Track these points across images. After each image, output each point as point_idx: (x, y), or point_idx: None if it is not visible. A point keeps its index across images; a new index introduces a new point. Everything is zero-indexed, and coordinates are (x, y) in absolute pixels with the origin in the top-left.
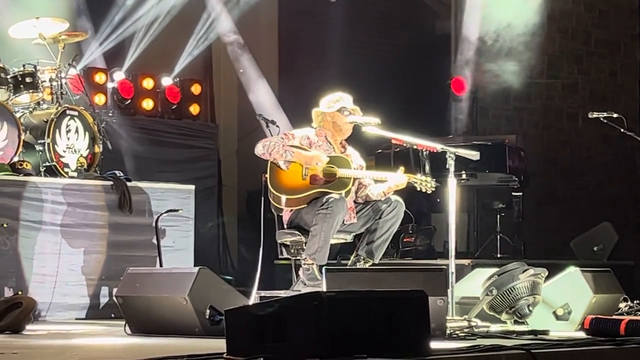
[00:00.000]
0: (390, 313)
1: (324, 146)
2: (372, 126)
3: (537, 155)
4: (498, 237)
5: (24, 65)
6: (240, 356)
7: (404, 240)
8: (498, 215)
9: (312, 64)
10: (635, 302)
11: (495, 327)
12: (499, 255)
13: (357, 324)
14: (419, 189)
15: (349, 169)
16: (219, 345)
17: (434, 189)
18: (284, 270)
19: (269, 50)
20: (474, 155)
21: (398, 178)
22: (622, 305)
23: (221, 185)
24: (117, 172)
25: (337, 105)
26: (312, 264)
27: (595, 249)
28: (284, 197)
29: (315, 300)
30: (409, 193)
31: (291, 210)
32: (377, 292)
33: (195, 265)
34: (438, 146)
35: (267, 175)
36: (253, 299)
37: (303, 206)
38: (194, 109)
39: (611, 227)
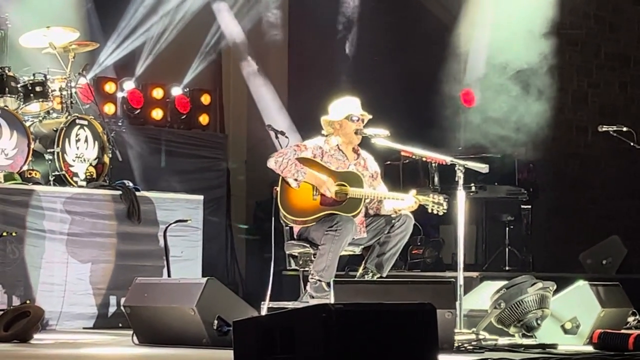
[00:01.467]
0: (398, 326)
1: (337, 155)
2: (381, 138)
3: (547, 168)
4: (506, 249)
5: (34, 74)
6: None
7: (412, 252)
8: (507, 228)
9: (321, 75)
10: None
11: (503, 341)
12: (507, 268)
13: (365, 336)
14: (430, 210)
15: (361, 189)
16: (226, 356)
17: (445, 211)
18: (292, 281)
19: (279, 65)
20: (483, 168)
21: (410, 201)
22: (630, 319)
23: (230, 195)
24: (126, 181)
25: (344, 112)
26: (320, 280)
27: (604, 262)
28: (292, 218)
29: (323, 312)
30: (419, 207)
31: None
32: (385, 304)
33: (203, 276)
34: (447, 159)
35: (278, 190)
36: (264, 310)
37: (312, 224)
38: (204, 119)
39: (620, 240)
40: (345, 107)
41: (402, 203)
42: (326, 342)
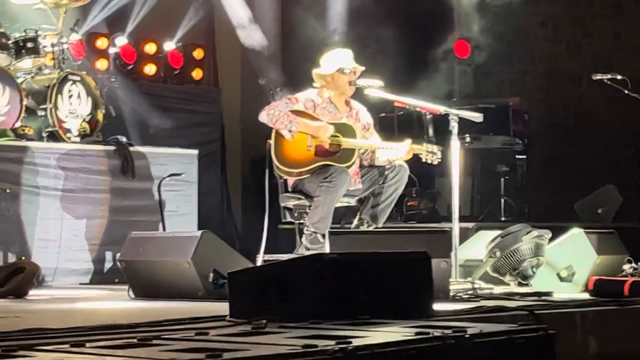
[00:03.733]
0: (393, 275)
1: (329, 108)
2: (375, 88)
3: (541, 118)
4: (502, 200)
5: (25, 31)
6: (243, 318)
7: (408, 204)
8: (502, 179)
9: (315, 26)
10: (639, 263)
11: (498, 289)
12: (502, 218)
13: (359, 285)
14: (424, 160)
15: (354, 139)
16: (222, 308)
17: (440, 160)
18: (288, 234)
19: (272, 11)
20: (477, 117)
21: (404, 149)
22: (626, 266)
23: (225, 150)
24: (119, 137)
25: (335, 65)
26: (315, 231)
27: (599, 211)
28: (287, 170)
29: (318, 262)
30: (413, 157)
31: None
32: (380, 253)
33: (199, 230)
34: (441, 108)
35: (272, 142)
36: (259, 263)
37: (306, 176)
38: (197, 73)
39: (615, 189)
40: (337, 60)
41: (396, 152)
42: (321, 292)
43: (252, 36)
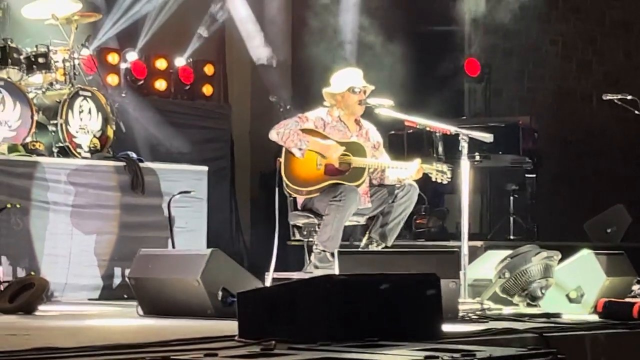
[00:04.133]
0: (402, 296)
1: (338, 126)
2: (385, 108)
3: (551, 136)
4: (511, 218)
5: (36, 46)
6: (252, 338)
7: (417, 221)
8: (511, 197)
9: (326, 44)
10: None
11: (507, 310)
12: (511, 237)
13: (368, 306)
14: (434, 179)
15: (364, 158)
16: (231, 327)
17: (450, 180)
18: (297, 251)
19: (281, 32)
20: (487, 137)
21: (414, 168)
22: (635, 287)
23: (234, 166)
24: (129, 153)
25: (346, 84)
26: (324, 250)
27: (608, 231)
28: (296, 188)
29: (327, 283)
30: (423, 176)
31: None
32: (388, 275)
33: (208, 247)
34: (451, 128)
35: (282, 161)
36: (268, 281)
37: (316, 194)
38: (207, 89)
39: (624, 209)
40: (347, 79)
41: (406, 172)
42: (329, 313)
43: (260, 50)
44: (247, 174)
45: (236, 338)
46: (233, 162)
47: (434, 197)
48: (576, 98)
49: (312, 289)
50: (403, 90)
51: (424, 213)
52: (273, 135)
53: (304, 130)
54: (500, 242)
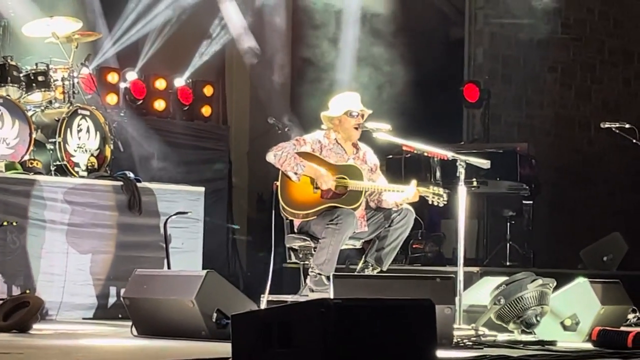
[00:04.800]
0: (397, 321)
1: (335, 149)
2: (383, 132)
3: (549, 163)
4: (508, 245)
5: (36, 64)
6: None
7: (413, 246)
8: (508, 223)
9: (323, 68)
10: None
11: (502, 337)
12: (508, 263)
13: (363, 331)
14: (430, 202)
15: (361, 181)
16: (225, 349)
17: (446, 203)
18: (292, 274)
19: (281, 57)
20: (485, 163)
21: (410, 191)
22: (630, 316)
23: (232, 187)
24: (127, 172)
25: (343, 107)
26: (320, 273)
27: (604, 259)
28: (293, 211)
29: (322, 307)
30: (420, 199)
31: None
32: (384, 300)
33: (203, 267)
34: (449, 154)
35: (278, 184)
36: (263, 303)
37: (313, 217)
38: (206, 110)
39: (621, 237)
40: (344, 103)
41: (403, 195)
42: (324, 337)
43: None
44: (244, 194)
45: None
46: (230, 183)
47: (431, 222)
48: (574, 125)
49: (307, 312)
50: (402, 114)
51: (420, 238)
52: (270, 157)
53: (300, 154)
54: (496, 269)
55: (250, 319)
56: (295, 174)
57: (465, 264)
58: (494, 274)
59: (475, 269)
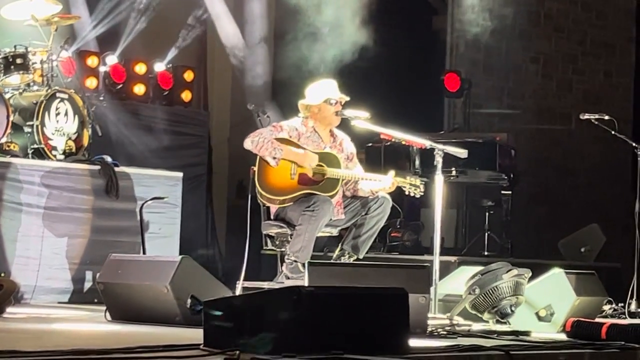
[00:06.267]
0: (369, 310)
1: (312, 137)
2: (361, 120)
3: (529, 154)
4: (486, 234)
5: (15, 47)
6: (217, 348)
7: (392, 235)
8: (487, 213)
9: (306, 54)
10: (620, 304)
11: (477, 327)
12: (486, 253)
13: (335, 319)
14: (407, 192)
15: (339, 169)
16: (198, 335)
17: (422, 193)
18: (270, 260)
19: (263, 39)
20: (462, 153)
21: (387, 181)
22: (606, 307)
23: (211, 173)
24: (105, 156)
25: (322, 96)
26: (296, 260)
27: (582, 250)
28: (270, 197)
29: (294, 295)
30: (397, 189)
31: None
32: (357, 288)
33: (180, 253)
34: (427, 143)
35: (256, 169)
36: (239, 290)
37: (289, 204)
38: (186, 95)
39: (599, 228)
40: (322, 91)
41: (379, 184)
42: (296, 325)
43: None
44: (224, 180)
45: (201, 347)
46: (210, 169)
47: (410, 211)
48: (555, 116)
49: (279, 300)
50: (381, 103)
51: (399, 226)
52: (247, 143)
53: (278, 140)
54: (474, 258)
55: (222, 306)
56: (274, 158)
57: (444, 253)
58: (471, 264)
59: (452, 258)
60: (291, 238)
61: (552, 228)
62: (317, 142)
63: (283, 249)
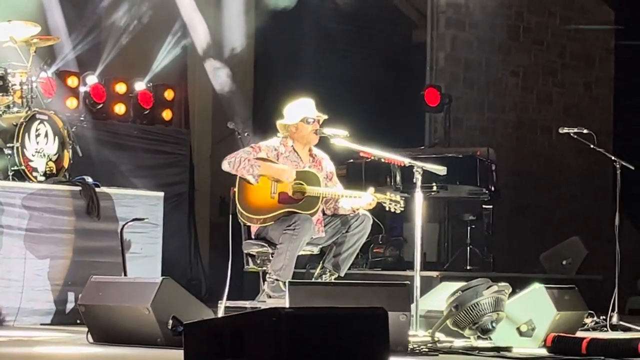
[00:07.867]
0: (349, 330)
1: (291, 157)
2: (340, 138)
3: (510, 167)
4: (468, 249)
5: None
6: None
7: (374, 250)
8: (469, 227)
9: (286, 70)
10: (601, 317)
11: (458, 343)
12: (468, 267)
13: (315, 340)
14: (387, 208)
15: (318, 187)
16: (180, 356)
17: (403, 209)
18: (253, 278)
19: (244, 61)
20: (441, 170)
21: (367, 198)
22: (588, 320)
23: (193, 191)
24: (86, 177)
25: (299, 115)
26: (277, 279)
27: (564, 262)
28: (250, 216)
29: (274, 317)
30: (377, 205)
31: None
32: (336, 309)
33: (163, 273)
34: (405, 160)
35: (236, 190)
36: (221, 310)
37: (270, 223)
38: (167, 114)
39: (580, 241)
40: (300, 110)
41: (360, 201)
42: (276, 347)
43: (221, 77)
44: (207, 198)
45: None
46: (193, 187)
47: (392, 226)
48: (536, 129)
49: (259, 321)
50: (361, 119)
51: (381, 242)
52: (225, 165)
53: (257, 159)
54: (456, 273)
55: (202, 328)
56: (253, 176)
57: (426, 268)
58: (454, 278)
59: (435, 274)
60: (272, 257)
61: (534, 241)
62: (296, 161)
63: (264, 268)
